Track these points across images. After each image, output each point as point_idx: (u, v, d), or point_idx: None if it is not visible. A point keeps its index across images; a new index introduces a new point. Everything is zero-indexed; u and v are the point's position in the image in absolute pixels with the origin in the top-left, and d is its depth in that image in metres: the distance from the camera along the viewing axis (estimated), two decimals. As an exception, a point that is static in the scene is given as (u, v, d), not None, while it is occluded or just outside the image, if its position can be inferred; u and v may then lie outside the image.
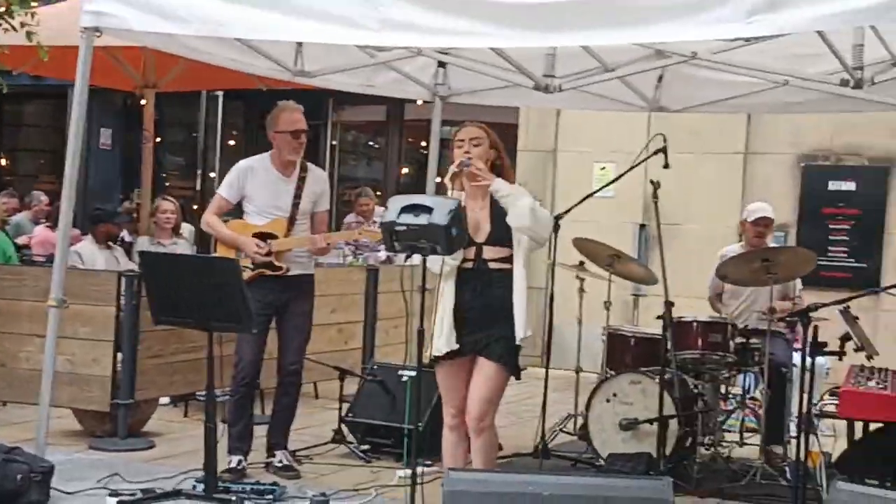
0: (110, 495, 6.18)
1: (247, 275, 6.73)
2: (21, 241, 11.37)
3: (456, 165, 5.71)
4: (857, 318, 5.91)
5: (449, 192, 5.70)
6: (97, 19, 6.30)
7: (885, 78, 6.62)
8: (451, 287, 5.68)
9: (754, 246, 8.01)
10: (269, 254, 6.87)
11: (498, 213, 5.70)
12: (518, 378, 5.78)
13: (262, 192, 6.96)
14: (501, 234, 5.68)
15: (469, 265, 5.69)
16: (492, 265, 5.67)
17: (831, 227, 11.34)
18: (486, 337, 5.63)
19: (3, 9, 8.67)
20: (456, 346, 5.65)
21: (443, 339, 5.66)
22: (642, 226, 12.12)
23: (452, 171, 5.71)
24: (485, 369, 5.65)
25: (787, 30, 4.92)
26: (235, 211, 7.17)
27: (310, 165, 7.19)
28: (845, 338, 5.74)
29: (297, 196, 7.00)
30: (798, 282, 8.16)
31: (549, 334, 7.20)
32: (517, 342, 5.63)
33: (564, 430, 8.17)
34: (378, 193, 14.29)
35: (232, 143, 15.98)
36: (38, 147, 18.25)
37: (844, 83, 6.34)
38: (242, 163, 7.13)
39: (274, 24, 5.98)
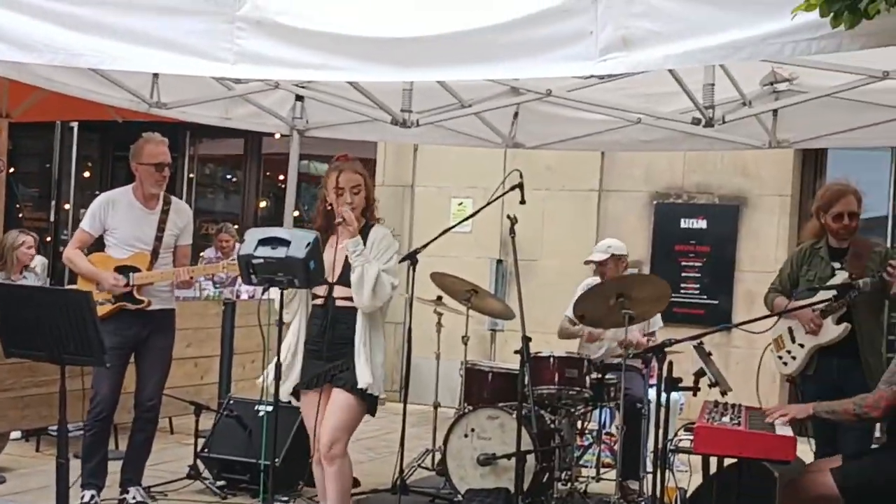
0: (-42, 531, 6.02)
1: (107, 308, 6.68)
2: None
3: (342, 216, 5.80)
4: (710, 353, 6.00)
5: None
6: (-54, 46, 6.13)
7: (735, 117, 6.81)
8: (299, 320, 5.85)
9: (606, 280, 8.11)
10: (128, 287, 6.75)
11: None
12: (373, 415, 5.85)
13: (124, 224, 6.88)
14: (349, 274, 5.77)
15: (319, 301, 5.85)
16: (339, 303, 5.82)
17: (683, 264, 11.52)
18: (333, 368, 5.78)
19: None
20: (298, 380, 5.82)
21: (293, 375, 5.83)
22: (499, 261, 12.20)
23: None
24: (335, 398, 5.79)
25: (640, 68, 4.99)
26: (97, 244, 7.05)
27: (173, 198, 7.12)
28: (699, 373, 5.81)
29: (161, 229, 6.93)
30: (658, 317, 8.27)
31: (408, 369, 7.18)
32: (364, 389, 5.72)
33: (423, 465, 8.16)
34: (236, 227, 14.14)
35: (87, 174, 15.70)
36: None
37: (696, 122, 6.51)
38: (104, 195, 7.04)
39: (127, 55, 5.86)
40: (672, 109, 7.17)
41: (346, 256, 5.79)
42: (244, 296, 10.67)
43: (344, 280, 5.79)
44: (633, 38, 4.83)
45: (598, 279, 8.35)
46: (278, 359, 5.54)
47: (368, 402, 5.81)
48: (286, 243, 5.35)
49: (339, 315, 5.81)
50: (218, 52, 5.65)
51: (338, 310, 5.81)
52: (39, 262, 10.81)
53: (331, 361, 5.80)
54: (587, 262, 8.26)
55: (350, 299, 5.77)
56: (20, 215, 15.54)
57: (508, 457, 7.02)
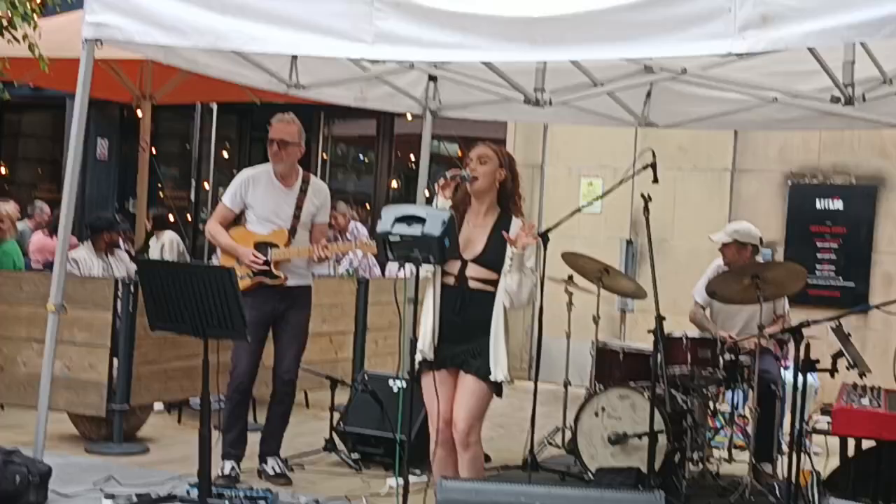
0: (106, 497, 6.22)
1: (246, 283, 6.82)
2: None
3: (450, 173, 5.76)
4: (849, 334, 5.91)
5: (435, 199, 5.76)
6: (99, 31, 6.40)
7: (875, 95, 6.66)
8: (432, 300, 5.72)
9: (729, 264, 7.99)
10: (267, 263, 6.91)
11: (496, 236, 5.71)
12: (500, 396, 5.79)
13: (263, 201, 7.03)
14: (492, 257, 5.69)
15: (451, 281, 5.72)
16: (472, 284, 5.69)
17: (819, 245, 11.33)
18: (465, 352, 5.67)
19: (6, 22, 8.77)
20: (431, 357, 5.70)
21: (423, 348, 5.72)
22: (629, 241, 12.15)
23: (443, 179, 5.75)
24: (466, 383, 5.70)
25: (780, 46, 4.94)
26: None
27: (312, 177, 7.25)
28: (837, 355, 5.74)
29: (298, 207, 7.06)
30: (784, 301, 8.12)
31: (539, 348, 7.21)
32: (493, 379, 5.64)
33: (553, 443, 8.19)
34: (367, 207, 14.32)
35: (225, 155, 16.05)
36: (36, 156, 18.29)
37: (835, 100, 6.38)
38: (245, 171, 7.21)
39: (270, 37, 6.04)
40: (810, 88, 7.04)
41: (489, 237, 5.71)
42: (342, 268, 10.80)
43: (481, 261, 5.68)
44: (773, 15, 4.80)
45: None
46: (414, 334, 5.57)
47: (497, 386, 5.72)
48: (422, 221, 5.37)
49: (472, 297, 5.68)
50: (357, 33, 5.77)
51: (472, 292, 5.68)
52: (171, 236, 11.17)
53: (461, 345, 5.68)
54: (720, 249, 8.10)
55: (484, 281, 5.67)
56: (161, 195, 15.97)
57: (640, 436, 7.01)
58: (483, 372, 5.64)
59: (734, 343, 7.64)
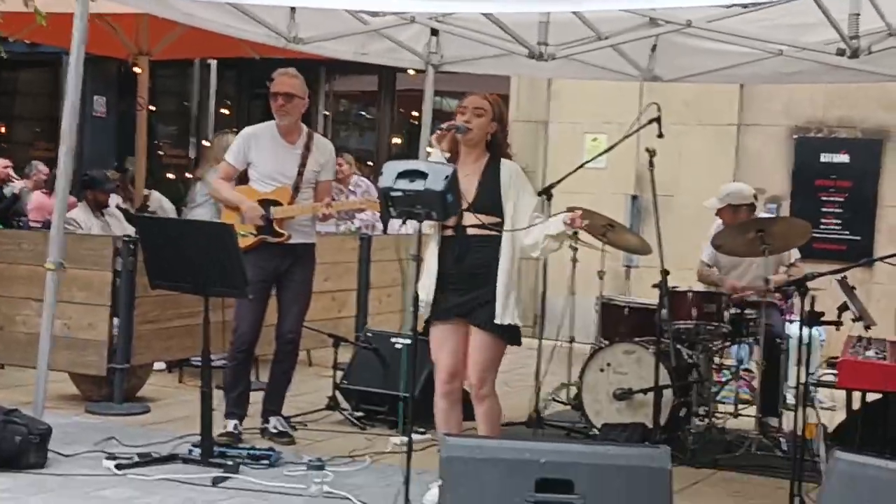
0: (107, 458, 6.19)
1: (248, 240, 6.76)
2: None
3: (446, 125, 5.72)
4: (854, 287, 5.89)
5: (433, 151, 5.74)
6: (94, -20, 6.32)
7: (880, 48, 6.60)
8: (433, 253, 5.71)
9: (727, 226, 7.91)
10: (269, 221, 6.85)
11: (486, 183, 5.71)
12: (518, 344, 5.77)
13: (266, 158, 6.96)
14: (485, 202, 5.68)
15: (449, 232, 5.71)
16: (470, 231, 5.67)
17: (824, 199, 11.29)
18: (470, 301, 5.66)
19: (0, -26, 8.64)
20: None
21: (426, 300, 5.70)
22: (634, 197, 12.09)
23: (439, 131, 5.73)
24: (475, 337, 5.69)
25: (786, -6, 4.88)
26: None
27: (315, 135, 7.19)
28: (843, 308, 5.72)
29: (302, 164, 6.99)
30: (795, 250, 8.05)
31: (543, 304, 7.16)
32: (497, 322, 5.62)
33: (558, 399, 8.17)
34: (370, 164, 14.25)
35: (225, 111, 15.95)
36: (33, 115, 18.20)
37: (841, 53, 6.34)
38: (248, 129, 7.15)
39: (267, -12, 5.99)
40: (815, 40, 6.98)
41: (479, 183, 5.70)
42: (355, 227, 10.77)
43: (475, 207, 5.64)
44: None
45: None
46: (416, 292, 5.54)
47: (510, 334, 5.71)
48: (424, 176, 5.33)
49: (471, 244, 5.67)
50: (357, -17, 5.70)
51: (470, 238, 5.67)
52: (156, 198, 11.10)
53: (465, 294, 5.66)
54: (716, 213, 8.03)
55: (481, 226, 5.65)
56: (160, 152, 15.88)
57: (645, 391, 7.00)
58: (489, 322, 5.62)
59: (740, 298, 7.60)
